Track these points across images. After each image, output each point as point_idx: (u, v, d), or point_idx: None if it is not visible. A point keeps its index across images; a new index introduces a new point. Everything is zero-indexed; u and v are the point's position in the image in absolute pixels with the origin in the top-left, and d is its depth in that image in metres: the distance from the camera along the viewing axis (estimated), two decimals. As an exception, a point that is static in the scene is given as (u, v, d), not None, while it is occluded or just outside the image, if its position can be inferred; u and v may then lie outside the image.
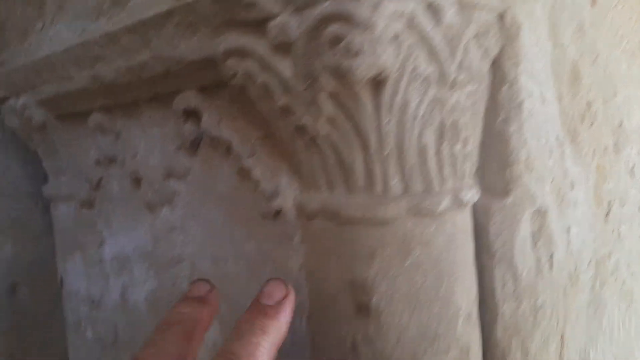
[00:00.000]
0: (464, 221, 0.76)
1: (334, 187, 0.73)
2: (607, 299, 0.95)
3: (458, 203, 0.70)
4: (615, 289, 0.98)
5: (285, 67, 0.67)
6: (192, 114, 0.89)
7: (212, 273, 0.97)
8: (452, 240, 0.73)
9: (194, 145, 0.94)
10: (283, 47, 0.65)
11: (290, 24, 0.62)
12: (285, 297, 0.39)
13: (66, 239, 1.30)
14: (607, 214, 0.96)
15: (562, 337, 0.84)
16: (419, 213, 0.69)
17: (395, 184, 0.69)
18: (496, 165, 0.78)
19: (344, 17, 0.57)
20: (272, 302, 0.39)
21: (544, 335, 0.83)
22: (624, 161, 1.01)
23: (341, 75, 0.60)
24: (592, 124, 0.93)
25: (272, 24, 0.64)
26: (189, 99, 0.88)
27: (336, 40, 0.58)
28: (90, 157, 1.14)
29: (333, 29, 0.58)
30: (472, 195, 0.74)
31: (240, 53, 0.70)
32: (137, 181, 1.05)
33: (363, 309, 0.72)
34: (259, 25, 0.66)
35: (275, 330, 0.37)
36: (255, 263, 0.90)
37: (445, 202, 0.69)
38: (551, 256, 0.85)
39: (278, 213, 0.82)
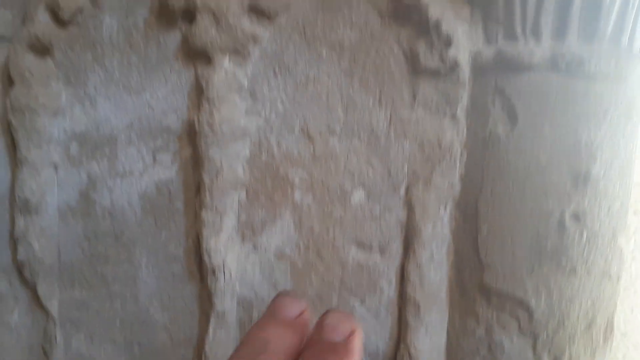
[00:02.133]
0: None
1: (564, 35, 0.62)
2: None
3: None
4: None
5: None
6: None
7: (296, 153, 0.72)
8: None
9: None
10: None
11: None
12: (353, 331, 0.30)
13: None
14: None
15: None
16: (651, 73, 0.64)
17: (638, 40, 0.63)
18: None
19: None
20: (340, 338, 0.29)
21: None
22: None
23: None
24: None
25: None
26: None
27: None
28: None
29: None
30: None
31: None
32: (174, 16, 0.71)
33: (581, 179, 0.63)
34: None
35: None
36: (382, 139, 0.70)
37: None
38: None
39: (455, 66, 0.66)
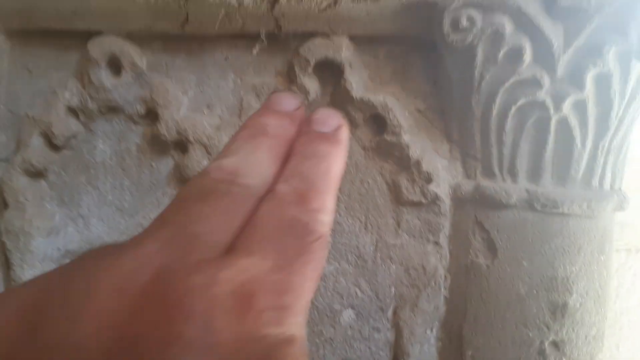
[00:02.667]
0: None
1: (539, 177, 0.66)
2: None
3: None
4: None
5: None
6: (326, 66, 0.69)
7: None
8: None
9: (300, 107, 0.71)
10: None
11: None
12: (341, 125, 0.31)
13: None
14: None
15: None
16: (620, 208, 0.68)
17: (607, 180, 0.67)
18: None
19: None
20: (329, 130, 0.30)
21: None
22: None
23: None
24: None
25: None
26: (329, 47, 0.67)
27: None
28: (57, 100, 0.75)
29: None
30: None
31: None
32: (167, 145, 0.74)
33: (559, 310, 0.67)
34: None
35: (340, 159, 0.29)
36: (369, 262, 0.73)
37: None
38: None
39: (435, 199, 0.69)
